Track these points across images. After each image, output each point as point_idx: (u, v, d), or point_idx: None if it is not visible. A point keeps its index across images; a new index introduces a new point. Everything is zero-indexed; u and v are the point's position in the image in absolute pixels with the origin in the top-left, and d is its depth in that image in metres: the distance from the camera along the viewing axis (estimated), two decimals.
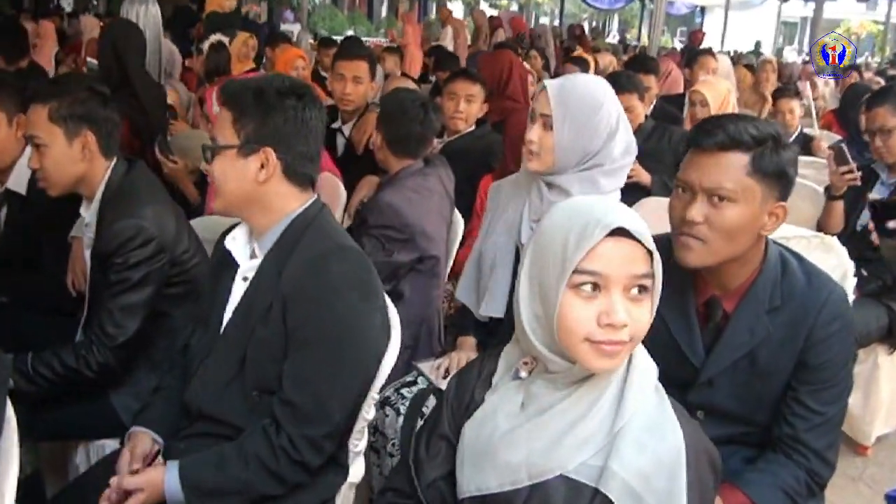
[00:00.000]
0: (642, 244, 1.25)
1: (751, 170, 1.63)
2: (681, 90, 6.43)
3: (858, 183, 3.33)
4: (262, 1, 19.33)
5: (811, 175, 3.91)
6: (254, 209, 1.75)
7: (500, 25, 10.75)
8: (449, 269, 2.96)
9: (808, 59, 15.13)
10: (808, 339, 1.68)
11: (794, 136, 4.96)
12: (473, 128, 3.79)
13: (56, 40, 7.41)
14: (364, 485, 2.16)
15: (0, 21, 6.55)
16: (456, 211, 2.95)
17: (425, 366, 2.39)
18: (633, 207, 2.34)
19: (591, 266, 1.23)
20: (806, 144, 4.94)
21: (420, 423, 1.89)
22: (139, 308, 2.12)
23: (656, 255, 1.26)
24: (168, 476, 1.66)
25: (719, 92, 4.57)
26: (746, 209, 1.64)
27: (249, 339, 1.71)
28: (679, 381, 1.70)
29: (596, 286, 1.24)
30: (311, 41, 9.66)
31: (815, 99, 7.04)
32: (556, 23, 19.64)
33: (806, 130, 5.28)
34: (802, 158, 3.73)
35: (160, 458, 1.82)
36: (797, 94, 4.99)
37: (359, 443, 1.90)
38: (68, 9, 15.14)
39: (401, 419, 2.14)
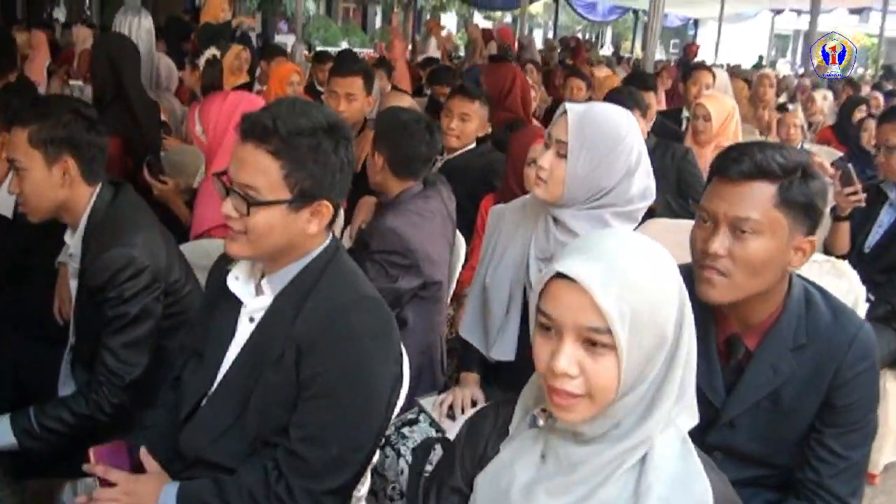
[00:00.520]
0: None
1: (778, 201, 1.54)
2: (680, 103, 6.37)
3: (863, 204, 3.29)
4: (256, 11, 19.32)
5: None
6: (281, 254, 1.63)
7: (491, 38, 10.74)
8: (451, 293, 2.89)
9: (801, 71, 15.20)
10: (835, 378, 1.60)
11: None
12: (474, 145, 3.73)
13: (48, 52, 7.33)
14: None
15: None
16: (458, 232, 2.88)
17: (427, 401, 2.30)
18: (638, 230, 2.27)
19: (543, 306, 1.18)
20: None
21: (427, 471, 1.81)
22: (143, 343, 2.04)
23: (610, 309, 1.11)
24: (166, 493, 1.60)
25: (724, 107, 4.53)
26: (772, 243, 1.56)
27: (256, 385, 1.61)
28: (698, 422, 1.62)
29: (549, 327, 1.17)
30: (306, 53, 9.62)
31: (813, 114, 7.01)
32: (551, 35, 19.66)
33: (805, 146, 5.23)
34: None
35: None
36: (801, 110, 4.95)
37: (362, 487, 1.82)
38: (62, 19, 15.08)
39: (401, 460, 2.05)
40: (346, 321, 1.58)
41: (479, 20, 24.59)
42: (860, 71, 17.84)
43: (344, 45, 20.44)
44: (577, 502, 1.21)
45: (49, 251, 2.47)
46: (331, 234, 1.70)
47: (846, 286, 2.60)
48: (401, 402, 1.77)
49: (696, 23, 24.06)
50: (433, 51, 9.77)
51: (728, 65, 14.48)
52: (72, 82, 4.67)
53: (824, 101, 7.04)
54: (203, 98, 4.95)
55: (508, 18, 26.54)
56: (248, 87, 5.69)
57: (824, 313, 1.65)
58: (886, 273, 3.20)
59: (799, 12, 19.20)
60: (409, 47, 11.78)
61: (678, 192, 3.82)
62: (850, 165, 3.61)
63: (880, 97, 7.66)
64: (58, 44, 9.26)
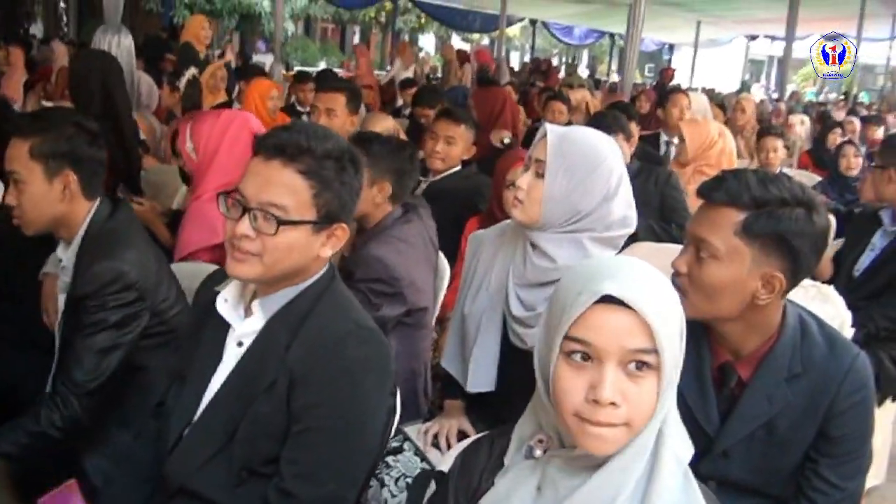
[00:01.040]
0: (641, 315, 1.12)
1: (740, 229, 1.54)
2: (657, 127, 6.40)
3: None
4: (235, 31, 19.30)
5: None
6: (286, 277, 1.58)
7: (467, 59, 10.78)
8: (436, 317, 2.85)
9: (776, 96, 15.36)
10: (830, 409, 1.59)
11: None
12: (459, 167, 3.71)
13: (24, 68, 7.25)
14: None
15: None
16: (441, 256, 2.84)
17: (412, 429, 2.25)
18: (623, 253, 2.25)
19: (581, 334, 1.13)
20: None
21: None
22: (114, 351, 1.99)
23: (659, 328, 1.11)
24: None
25: (700, 132, 4.56)
26: (729, 270, 1.56)
27: (244, 413, 1.55)
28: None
29: (587, 356, 1.14)
30: (284, 72, 9.60)
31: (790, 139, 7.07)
32: (527, 58, 19.79)
33: (785, 170, 5.26)
34: None
35: None
36: (781, 134, 4.96)
37: None
38: (39, 35, 14.96)
39: (384, 490, 1.99)
40: (343, 352, 1.53)
41: (458, 42, 24.71)
42: (831, 96, 18.10)
43: (322, 64, 20.47)
44: None
45: (36, 262, 2.41)
46: (328, 261, 1.65)
47: (832, 311, 2.60)
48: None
49: (671, 47, 24.32)
50: (397, 70, 9.79)
51: (703, 88, 14.61)
52: (44, 103, 4.60)
53: (802, 125, 7.10)
54: (185, 116, 4.92)
55: (486, 41, 26.73)
56: (227, 105, 5.65)
57: (819, 343, 1.64)
58: (868, 299, 3.20)
59: (773, 38, 19.46)
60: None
61: (661, 217, 3.82)
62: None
63: (856, 122, 7.73)
64: (34, 60, 9.16)
